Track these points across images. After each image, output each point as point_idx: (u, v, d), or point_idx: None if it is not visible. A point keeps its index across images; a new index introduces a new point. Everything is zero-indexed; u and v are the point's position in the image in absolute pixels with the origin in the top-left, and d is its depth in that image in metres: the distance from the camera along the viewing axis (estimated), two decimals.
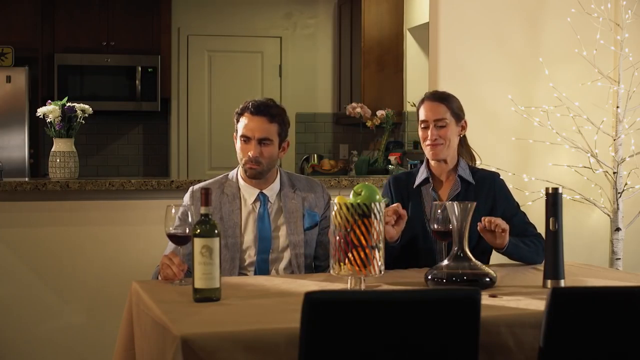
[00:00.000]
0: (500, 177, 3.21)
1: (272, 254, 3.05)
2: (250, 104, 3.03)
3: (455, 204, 2.55)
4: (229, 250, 3.00)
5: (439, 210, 2.70)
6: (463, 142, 3.21)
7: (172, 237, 2.64)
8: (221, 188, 3.08)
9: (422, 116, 3.08)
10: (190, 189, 3.11)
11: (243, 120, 3.02)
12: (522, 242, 3.03)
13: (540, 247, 3.00)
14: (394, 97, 6.49)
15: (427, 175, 3.12)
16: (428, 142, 3.07)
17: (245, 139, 3.01)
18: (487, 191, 3.11)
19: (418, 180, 3.14)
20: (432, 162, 3.14)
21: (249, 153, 2.99)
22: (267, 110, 3.01)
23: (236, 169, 3.14)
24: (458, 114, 3.09)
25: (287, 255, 3.06)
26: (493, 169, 3.45)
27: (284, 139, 3.08)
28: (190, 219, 2.59)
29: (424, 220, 3.08)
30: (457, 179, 3.10)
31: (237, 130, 3.05)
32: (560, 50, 4.48)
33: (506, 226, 2.86)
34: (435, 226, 2.71)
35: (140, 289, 2.53)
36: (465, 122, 3.13)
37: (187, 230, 2.60)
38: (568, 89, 4.37)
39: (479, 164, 3.29)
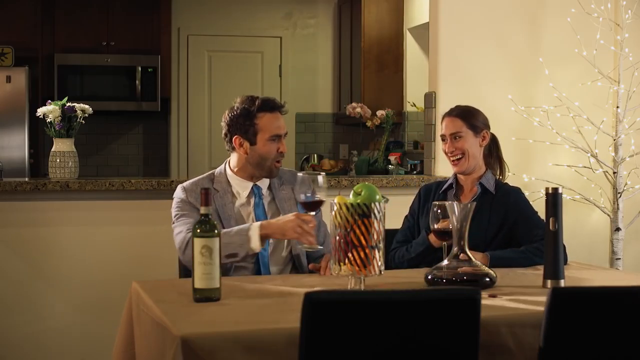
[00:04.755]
0: (521, 192, 3.28)
1: (271, 244, 3.06)
2: (264, 101, 3.04)
3: (455, 204, 2.56)
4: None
5: (439, 210, 2.70)
6: (494, 152, 3.34)
7: (308, 205, 2.75)
8: (210, 184, 3.10)
9: (441, 131, 3.27)
10: (181, 186, 3.10)
11: (265, 119, 3.03)
12: (511, 250, 3.06)
13: (537, 253, 3.02)
14: (394, 97, 6.50)
15: (452, 182, 3.27)
16: (449, 155, 3.24)
17: (276, 137, 3.04)
18: (503, 202, 3.19)
19: (444, 186, 3.29)
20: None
21: (279, 150, 3.04)
22: (278, 104, 3.08)
23: (223, 166, 3.15)
24: (475, 126, 3.22)
25: (285, 243, 3.07)
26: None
27: None
28: (319, 184, 2.68)
29: None
30: (478, 185, 3.21)
31: (258, 130, 3.03)
32: (560, 50, 4.48)
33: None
34: (435, 226, 2.72)
35: (140, 289, 2.53)
36: (487, 133, 3.25)
37: (317, 197, 2.71)
38: (568, 89, 4.37)
39: (508, 175, 3.38)
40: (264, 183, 3.14)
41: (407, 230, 3.28)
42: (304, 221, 2.77)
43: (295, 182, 2.79)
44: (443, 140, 3.26)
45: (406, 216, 3.33)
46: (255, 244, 2.85)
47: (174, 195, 3.11)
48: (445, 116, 3.28)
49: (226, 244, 2.85)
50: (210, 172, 3.18)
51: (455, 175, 3.28)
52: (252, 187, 3.11)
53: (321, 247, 2.92)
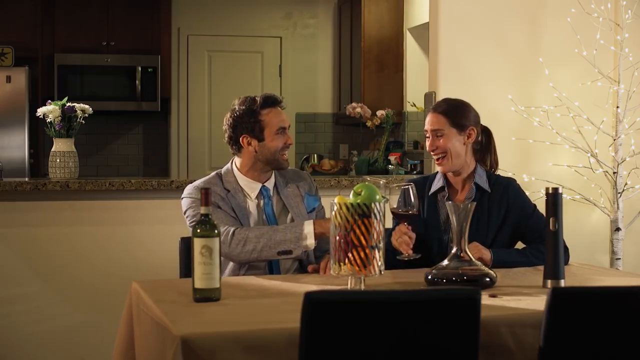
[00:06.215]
0: (516, 183, 3.18)
1: None
2: (265, 98, 3.09)
3: (453, 203, 2.57)
4: None
5: (405, 194, 2.77)
6: (485, 146, 3.21)
7: (396, 215, 2.81)
8: (220, 184, 3.10)
9: (425, 126, 3.16)
10: (192, 185, 3.09)
11: (270, 115, 3.07)
12: (516, 254, 3.05)
13: (539, 256, 2.99)
14: (394, 97, 6.50)
15: (443, 184, 3.14)
16: (432, 153, 3.12)
17: (282, 130, 3.09)
18: (500, 199, 3.10)
19: (434, 187, 3.15)
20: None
21: (286, 142, 3.09)
22: (279, 99, 3.13)
23: (229, 166, 3.16)
24: (460, 124, 3.07)
25: None
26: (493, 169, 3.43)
27: None
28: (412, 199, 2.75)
29: (439, 228, 3.10)
30: (473, 186, 3.11)
31: (264, 125, 3.06)
32: (560, 50, 4.48)
33: (480, 254, 2.89)
34: (397, 210, 2.79)
35: (140, 289, 2.53)
36: (473, 130, 3.10)
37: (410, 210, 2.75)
38: (568, 89, 4.36)
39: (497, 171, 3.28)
40: (270, 183, 3.16)
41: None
42: (402, 232, 2.83)
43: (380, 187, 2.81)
44: (427, 136, 3.12)
45: None
46: (311, 241, 2.89)
47: (186, 196, 3.08)
48: (430, 111, 3.15)
49: (279, 241, 2.90)
50: (216, 172, 3.17)
51: (444, 174, 3.16)
52: (260, 189, 3.12)
53: (412, 258, 2.85)
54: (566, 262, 2.99)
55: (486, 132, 3.22)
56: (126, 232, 4.04)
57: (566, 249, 3.03)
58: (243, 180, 3.12)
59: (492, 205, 3.09)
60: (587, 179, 4.41)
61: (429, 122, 3.11)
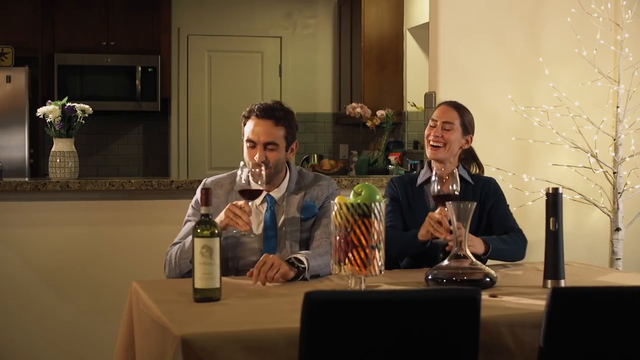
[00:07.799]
0: (496, 183, 3.36)
1: (278, 247, 3.04)
2: (257, 107, 3.00)
3: (453, 204, 2.57)
4: (229, 248, 2.99)
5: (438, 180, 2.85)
6: (472, 153, 3.39)
7: (245, 193, 2.82)
8: (232, 185, 3.06)
9: (434, 116, 3.26)
10: (204, 181, 3.13)
11: (249, 124, 3.00)
12: (501, 241, 3.10)
13: (521, 243, 3.14)
14: (394, 97, 6.50)
15: (430, 176, 3.17)
16: (431, 140, 3.21)
17: (252, 143, 2.98)
18: (481, 191, 3.26)
19: (420, 180, 3.30)
20: (433, 163, 3.27)
21: (255, 157, 2.96)
22: (273, 113, 2.99)
23: (247, 169, 3.13)
24: (466, 127, 3.25)
25: (289, 246, 3.03)
26: (493, 169, 3.51)
27: (292, 142, 3.06)
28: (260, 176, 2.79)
29: None
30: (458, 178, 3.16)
31: (243, 133, 3.02)
32: (560, 50, 4.47)
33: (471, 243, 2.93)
34: (437, 189, 2.85)
35: (140, 288, 2.53)
36: (471, 138, 3.28)
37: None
38: (568, 89, 4.36)
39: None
40: (279, 192, 3.06)
41: (392, 214, 3.24)
42: (237, 207, 2.80)
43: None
44: (432, 125, 3.23)
45: (387, 203, 3.24)
46: None
47: (197, 193, 3.11)
48: (443, 104, 3.29)
49: (188, 249, 2.88)
50: (236, 170, 3.09)
51: (430, 168, 3.27)
52: (265, 197, 3.05)
53: (254, 235, 2.93)
54: (523, 255, 3.14)
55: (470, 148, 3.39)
56: (126, 232, 4.04)
57: (524, 238, 3.16)
58: (254, 184, 2.95)
59: (475, 197, 3.21)
60: (587, 179, 4.41)
61: (442, 112, 3.24)
